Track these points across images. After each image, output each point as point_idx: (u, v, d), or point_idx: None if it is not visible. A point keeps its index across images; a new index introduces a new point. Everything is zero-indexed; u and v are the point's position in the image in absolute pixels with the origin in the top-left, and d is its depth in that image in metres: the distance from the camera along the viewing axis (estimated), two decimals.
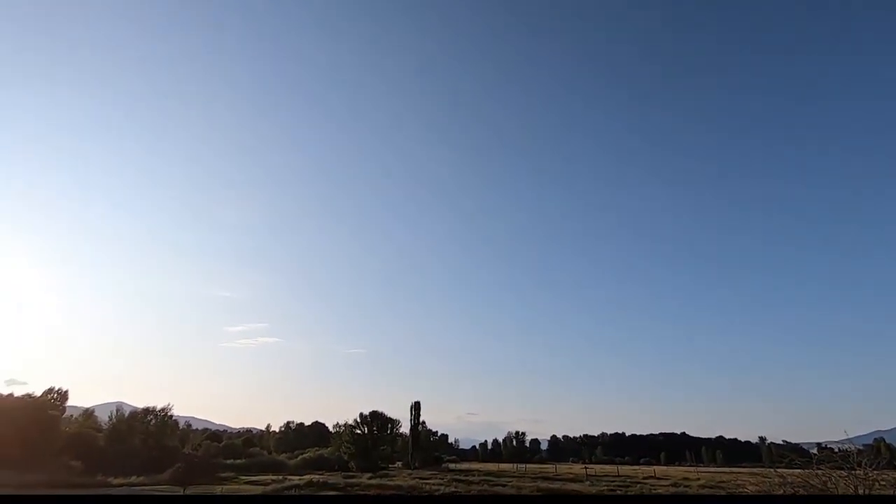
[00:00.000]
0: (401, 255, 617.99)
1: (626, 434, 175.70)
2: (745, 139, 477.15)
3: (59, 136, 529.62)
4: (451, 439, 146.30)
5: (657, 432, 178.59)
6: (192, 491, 40.68)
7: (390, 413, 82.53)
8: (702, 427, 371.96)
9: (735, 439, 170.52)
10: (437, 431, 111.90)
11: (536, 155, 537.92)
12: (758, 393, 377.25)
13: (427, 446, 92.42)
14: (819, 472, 11.12)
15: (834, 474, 10.80)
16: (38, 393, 61.44)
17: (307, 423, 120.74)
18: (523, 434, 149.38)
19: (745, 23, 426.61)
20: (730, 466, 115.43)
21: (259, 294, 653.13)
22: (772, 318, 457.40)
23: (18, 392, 60.33)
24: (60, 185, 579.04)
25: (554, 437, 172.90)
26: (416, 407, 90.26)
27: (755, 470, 42.94)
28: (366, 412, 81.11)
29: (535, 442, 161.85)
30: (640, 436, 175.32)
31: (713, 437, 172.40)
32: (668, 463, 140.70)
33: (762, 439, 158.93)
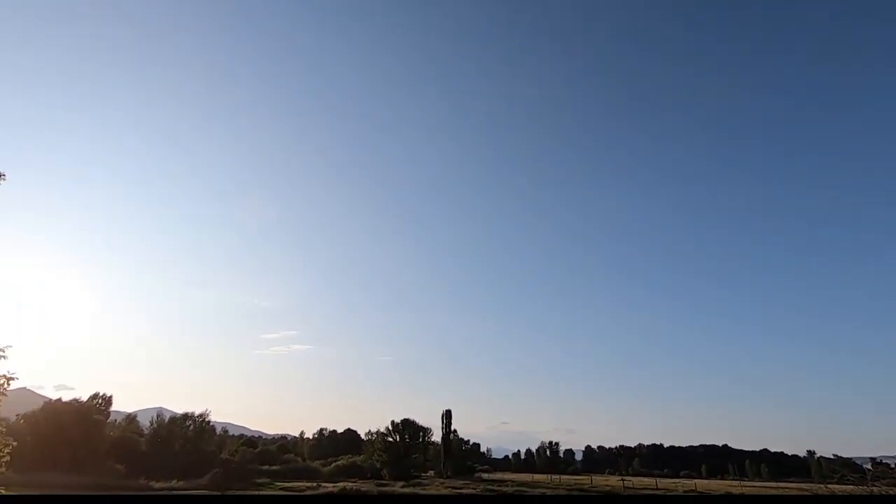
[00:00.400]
0: (430, 262, 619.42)
1: (665, 445, 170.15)
2: (771, 141, 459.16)
3: (98, 150, 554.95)
4: (483, 448, 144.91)
5: (697, 444, 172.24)
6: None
7: (421, 421, 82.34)
8: (745, 439, 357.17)
9: (781, 452, 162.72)
10: (468, 440, 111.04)
11: (559, 158, 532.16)
12: (806, 403, 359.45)
13: (459, 455, 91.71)
14: (874, 488, 10.29)
15: (892, 492, 9.97)
16: (85, 398, 64.02)
17: (339, 430, 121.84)
18: (557, 444, 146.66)
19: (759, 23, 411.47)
20: (776, 481, 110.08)
21: (291, 302, 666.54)
22: (819, 325, 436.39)
23: (66, 397, 62.85)
24: (103, 199, 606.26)
25: (588, 447, 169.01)
26: (447, 415, 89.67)
27: (804, 486, 40.73)
28: (397, 420, 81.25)
29: (569, 452, 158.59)
30: (680, 447, 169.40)
31: (758, 449, 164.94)
32: (710, 476, 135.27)
33: (811, 453, 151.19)
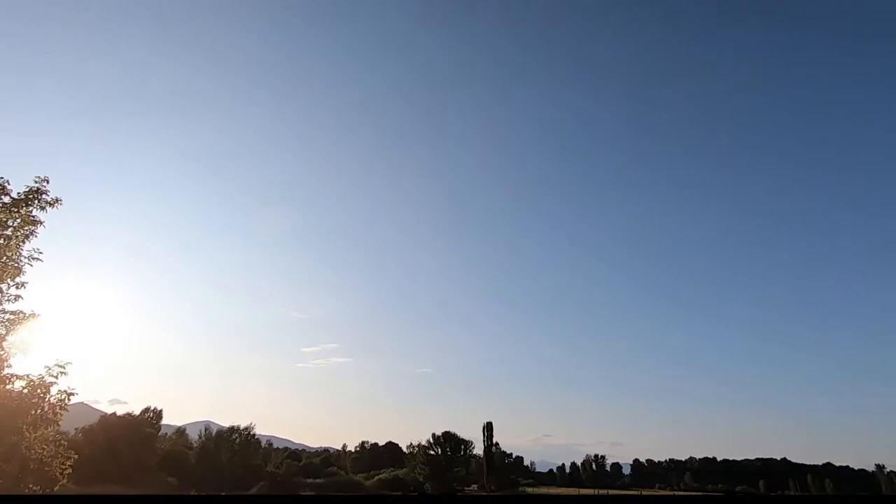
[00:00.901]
0: (468, 272, 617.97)
1: (718, 459, 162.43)
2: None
3: (138, 168, 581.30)
4: (526, 462, 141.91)
5: (753, 457, 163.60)
6: None
7: (462, 433, 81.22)
8: (806, 452, 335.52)
9: (847, 466, 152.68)
10: (511, 453, 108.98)
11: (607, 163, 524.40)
12: (875, 412, 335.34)
13: (502, 469, 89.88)
14: None
15: None
16: (137, 412, 65.93)
17: (381, 442, 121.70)
18: (603, 457, 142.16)
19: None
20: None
21: (328, 314, 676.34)
22: (887, 322, 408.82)
23: (120, 411, 64.84)
24: (148, 216, 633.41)
25: (636, 460, 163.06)
26: (488, 427, 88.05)
27: None
28: (438, 432, 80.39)
29: (617, 466, 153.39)
30: (734, 461, 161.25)
31: (820, 463, 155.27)
32: (768, 492, 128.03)
33: (880, 467, 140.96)
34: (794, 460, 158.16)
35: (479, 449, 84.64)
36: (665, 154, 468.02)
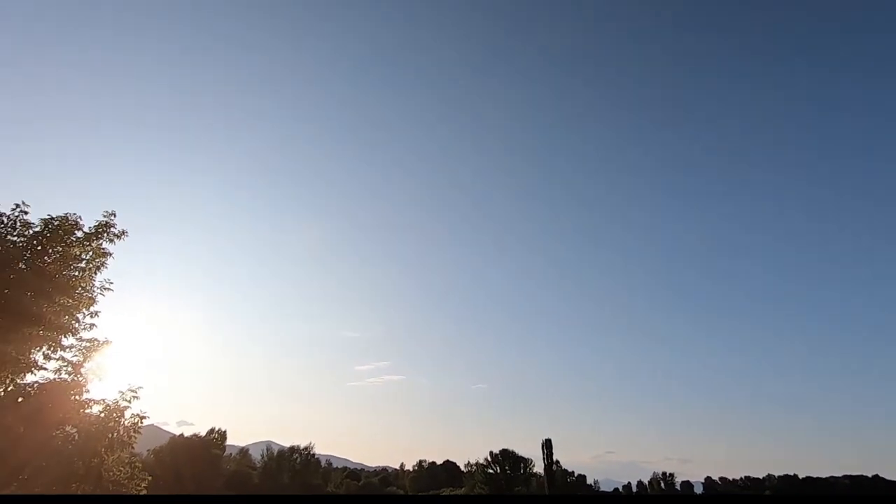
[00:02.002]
0: (520, 286, 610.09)
1: (800, 476, 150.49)
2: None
3: (199, 202, 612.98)
4: (589, 480, 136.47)
5: (840, 474, 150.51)
6: None
7: (520, 451, 79.17)
8: None
9: None
10: (573, 471, 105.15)
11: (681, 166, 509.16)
12: None
13: (564, 487, 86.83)
14: None
15: None
16: (203, 433, 68.29)
17: (438, 461, 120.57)
18: (672, 475, 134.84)
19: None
20: None
21: (379, 333, 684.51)
22: None
23: (187, 432, 67.33)
24: (209, 247, 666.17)
25: (709, 478, 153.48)
26: (547, 445, 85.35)
27: None
28: (495, 450, 78.75)
29: (687, 484, 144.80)
30: (818, 478, 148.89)
31: None
32: None
33: None
34: (888, 477, 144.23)
35: (538, 467, 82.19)
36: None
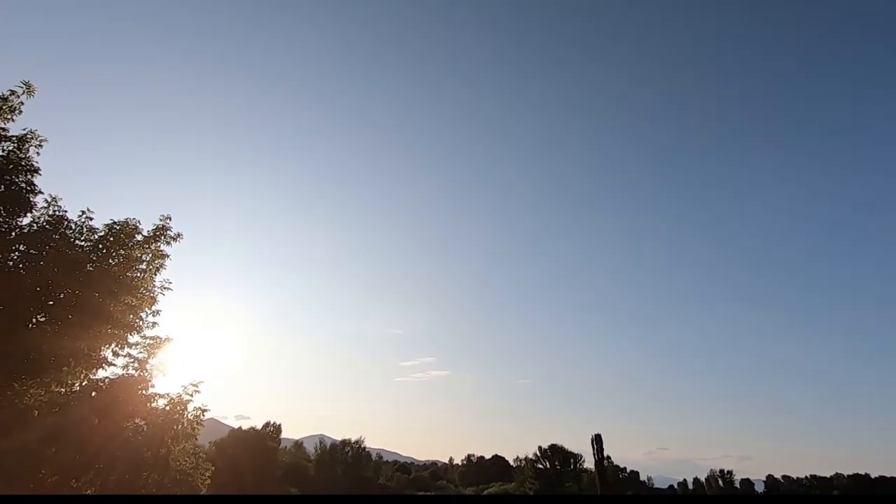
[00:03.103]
0: (567, 277, 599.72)
1: (872, 475, 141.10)
2: None
3: (254, 203, 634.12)
4: (642, 477, 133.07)
5: None
6: None
7: (569, 446, 78.11)
8: None
9: None
10: (625, 467, 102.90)
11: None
12: None
13: (616, 484, 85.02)
14: None
15: None
16: (259, 426, 71.08)
17: (486, 455, 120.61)
18: (730, 473, 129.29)
19: None
20: None
21: (422, 329, 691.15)
22: None
23: (245, 426, 70.22)
24: (262, 246, 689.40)
25: (770, 476, 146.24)
26: (597, 440, 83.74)
27: None
28: (544, 445, 78.03)
29: (747, 483, 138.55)
30: (893, 478, 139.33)
31: None
32: None
33: None
34: None
35: (588, 462, 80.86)
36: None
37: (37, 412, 8.99)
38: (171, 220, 11.86)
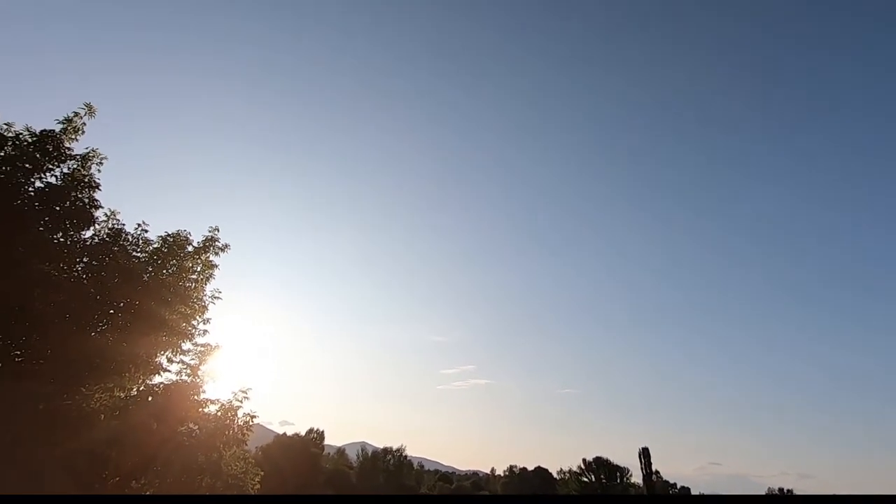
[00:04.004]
0: (612, 284, 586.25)
1: None
2: None
3: (297, 215, 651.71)
4: (693, 493, 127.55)
5: None
6: None
7: (615, 459, 75.81)
8: None
9: None
10: (674, 483, 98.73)
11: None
12: None
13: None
14: None
15: None
16: (303, 433, 72.37)
17: (529, 466, 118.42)
18: (790, 491, 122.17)
19: None
20: None
21: (465, 337, 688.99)
22: None
23: (289, 432, 71.63)
24: (307, 255, 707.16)
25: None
26: (645, 453, 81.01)
27: None
28: (588, 457, 76.05)
29: None
30: None
31: None
32: None
33: None
34: None
35: (636, 477, 78.26)
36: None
37: (102, 416, 9.45)
38: (219, 231, 12.30)
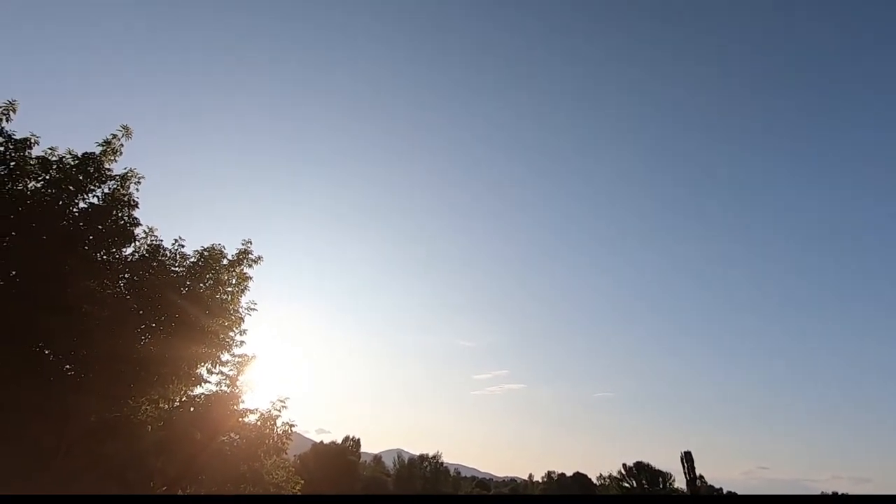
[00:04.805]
0: (647, 285, 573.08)
1: None
2: None
3: (324, 220, 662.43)
4: None
5: None
6: None
7: (656, 464, 73.80)
8: None
9: None
10: (720, 488, 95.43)
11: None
12: None
13: None
14: None
15: None
16: (339, 440, 73.10)
17: (567, 472, 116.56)
18: (844, 496, 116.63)
19: None
20: None
21: (496, 341, 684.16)
22: None
23: (326, 440, 72.42)
24: (338, 263, 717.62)
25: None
26: (687, 457, 78.61)
27: None
28: (628, 462, 74.29)
29: None
30: None
31: None
32: None
33: None
34: None
35: (679, 482, 75.95)
36: None
37: (150, 427, 9.77)
38: (251, 243, 12.59)
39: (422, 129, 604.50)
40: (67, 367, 10.01)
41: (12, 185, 9.79)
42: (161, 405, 10.21)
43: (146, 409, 9.74)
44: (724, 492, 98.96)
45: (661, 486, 72.39)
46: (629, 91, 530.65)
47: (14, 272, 9.37)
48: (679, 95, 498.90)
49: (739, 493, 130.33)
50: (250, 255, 12.46)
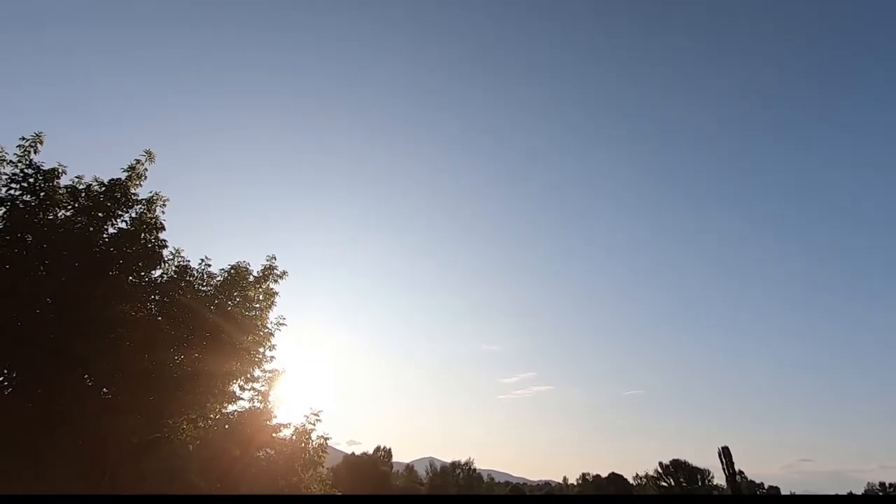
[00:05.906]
0: (674, 277, 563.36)
1: None
2: None
3: (343, 229, 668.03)
4: (784, 493, 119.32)
5: None
6: None
7: (693, 461, 72.11)
8: None
9: None
10: (762, 483, 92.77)
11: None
12: None
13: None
14: None
15: None
16: (370, 451, 73.17)
17: (602, 473, 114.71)
18: (893, 487, 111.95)
19: None
20: None
21: (521, 344, 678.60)
22: None
23: (357, 451, 72.54)
24: (360, 272, 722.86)
25: None
26: (725, 453, 76.56)
27: None
28: (664, 460, 72.78)
29: None
30: None
31: None
32: None
33: None
34: None
35: (718, 478, 74.06)
36: None
37: (191, 447, 9.86)
38: (275, 259, 12.68)
39: (445, 134, 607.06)
40: (104, 390, 10.16)
41: (43, 215, 10.02)
42: (199, 424, 10.27)
43: (185, 429, 9.81)
44: (766, 487, 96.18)
45: (699, 484, 70.69)
46: (650, 87, 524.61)
47: (49, 299, 9.56)
48: (723, 86, 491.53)
49: (781, 487, 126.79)
50: (275, 271, 12.55)
